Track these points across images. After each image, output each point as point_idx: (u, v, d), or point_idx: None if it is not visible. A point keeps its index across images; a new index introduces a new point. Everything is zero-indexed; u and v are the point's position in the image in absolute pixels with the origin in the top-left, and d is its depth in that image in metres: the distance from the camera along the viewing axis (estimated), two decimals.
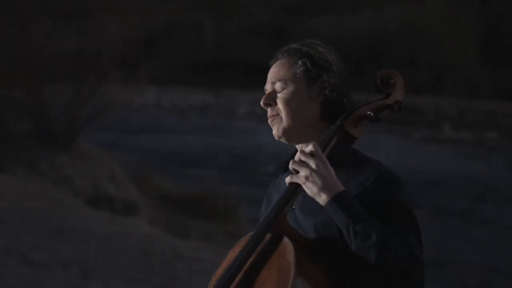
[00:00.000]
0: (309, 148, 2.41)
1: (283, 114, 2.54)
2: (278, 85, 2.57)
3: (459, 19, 29.31)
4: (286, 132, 2.55)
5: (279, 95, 2.56)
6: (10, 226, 9.20)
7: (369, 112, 2.54)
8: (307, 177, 2.37)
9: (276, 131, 2.56)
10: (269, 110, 2.58)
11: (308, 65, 2.54)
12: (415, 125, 22.84)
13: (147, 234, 9.77)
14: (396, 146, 20.17)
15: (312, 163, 2.38)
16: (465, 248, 11.89)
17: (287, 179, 2.41)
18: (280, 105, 2.55)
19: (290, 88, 2.54)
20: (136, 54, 16.43)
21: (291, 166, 2.41)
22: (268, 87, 2.60)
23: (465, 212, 14.29)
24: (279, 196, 2.47)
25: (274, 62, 2.61)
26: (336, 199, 2.34)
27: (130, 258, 8.19)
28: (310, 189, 2.37)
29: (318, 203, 2.40)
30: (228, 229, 12.26)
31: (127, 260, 8.09)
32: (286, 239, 2.37)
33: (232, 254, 2.48)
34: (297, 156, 2.41)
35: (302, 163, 2.39)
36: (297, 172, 2.39)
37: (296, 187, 2.41)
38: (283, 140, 2.57)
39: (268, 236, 2.41)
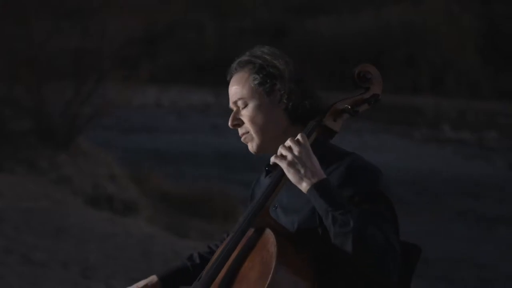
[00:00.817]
0: (297, 136, 2.45)
1: (252, 131, 2.59)
2: (239, 104, 2.60)
3: (459, 20, 29.32)
4: (260, 147, 2.61)
5: (243, 113, 2.60)
6: (10, 225, 9.20)
7: (346, 106, 2.57)
8: (290, 162, 2.41)
9: (251, 148, 2.62)
10: (238, 129, 2.62)
11: (260, 78, 2.57)
12: (415, 125, 22.86)
13: (147, 234, 9.77)
14: (396, 146, 20.19)
15: (296, 150, 2.42)
16: (464, 247, 11.90)
17: (272, 158, 2.45)
18: (247, 123, 2.59)
19: (251, 104, 2.58)
20: (136, 53, 16.44)
21: (279, 149, 2.45)
22: (231, 105, 2.64)
23: (465, 212, 14.30)
24: (261, 192, 2.52)
25: (230, 78, 2.65)
26: (317, 187, 2.38)
27: (130, 257, 8.20)
28: (292, 175, 2.41)
29: (299, 201, 2.47)
30: (227, 228, 12.23)
31: (127, 259, 8.09)
32: (268, 231, 2.42)
33: (219, 250, 2.56)
34: (286, 142, 2.44)
35: (288, 148, 2.43)
36: (283, 157, 2.44)
37: (276, 183, 2.47)
38: (260, 154, 2.63)
39: (251, 230, 2.46)
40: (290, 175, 2.42)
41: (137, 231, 9.88)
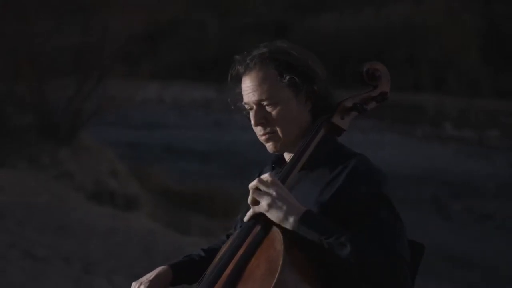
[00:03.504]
0: (265, 176, 2.40)
1: (280, 132, 2.53)
2: (266, 103, 2.52)
3: (461, 18, 29.30)
4: (283, 146, 2.56)
5: (271, 112, 2.53)
6: (12, 221, 9.21)
7: (355, 104, 2.55)
8: (270, 205, 2.37)
9: (273, 148, 2.55)
10: (260, 128, 2.55)
11: (294, 79, 2.50)
12: (417, 123, 22.84)
13: (149, 230, 9.78)
14: (398, 144, 20.17)
15: (272, 191, 2.38)
16: (465, 245, 11.90)
17: (249, 212, 2.40)
18: (275, 124, 2.52)
19: (280, 105, 2.51)
20: (138, 50, 16.44)
21: (252, 196, 2.40)
22: (251, 102, 2.55)
23: (466, 210, 14.30)
24: None
25: (248, 72, 2.54)
26: (303, 221, 2.35)
27: (131, 253, 8.21)
28: (275, 215, 2.37)
29: (305, 200, 2.43)
30: (229, 225, 12.24)
31: (129, 255, 8.11)
32: (274, 229, 2.40)
33: (225, 247, 2.55)
34: (254, 185, 2.40)
35: (261, 192, 2.39)
36: (257, 203, 2.39)
37: (283, 181, 2.43)
38: (279, 153, 2.59)
39: (257, 228, 2.44)
40: (273, 216, 2.37)
41: (138, 227, 9.88)
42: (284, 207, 2.35)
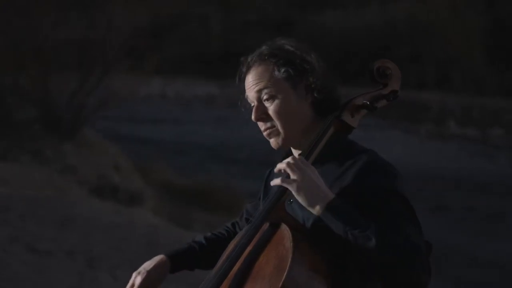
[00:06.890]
0: (298, 158, 2.42)
1: (279, 126, 2.54)
2: (265, 97, 2.54)
3: (466, 16, 29.27)
4: (285, 142, 2.56)
5: (269, 107, 2.54)
6: (15, 214, 9.20)
7: (365, 101, 2.55)
8: (300, 187, 2.37)
9: (275, 144, 2.56)
10: (261, 124, 2.57)
11: (288, 71, 2.52)
12: (421, 121, 22.83)
13: (152, 224, 9.78)
14: (402, 142, 20.16)
15: (305, 172, 2.38)
16: (468, 244, 11.90)
17: (278, 181, 2.40)
18: (274, 118, 2.54)
19: (279, 98, 2.53)
20: (142, 45, 16.43)
21: (283, 167, 2.40)
22: (252, 98, 2.57)
23: (469, 209, 14.30)
24: (276, 187, 2.49)
25: (249, 70, 2.58)
26: (330, 209, 2.35)
27: (135, 247, 8.21)
28: (303, 198, 2.37)
29: None
30: (231, 220, 12.27)
31: (131, 249, 8.10)
32: (283, 226, 2.40)
33: (233, 244, 2.54)
34: (289, 163, 2.39)
35: (297, 170, 2.38)
36: (288, 176, 2.39)
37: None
38: (283, 148, 2.59)
39: (266, 225, 2.44)
40: (300, 198, 2.38)
41: (141, 222, 9.88)
42: (314, 192, 2.36)
